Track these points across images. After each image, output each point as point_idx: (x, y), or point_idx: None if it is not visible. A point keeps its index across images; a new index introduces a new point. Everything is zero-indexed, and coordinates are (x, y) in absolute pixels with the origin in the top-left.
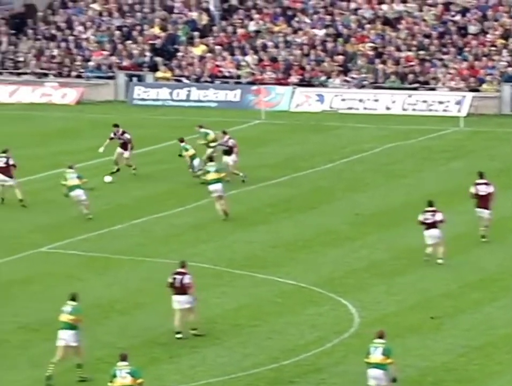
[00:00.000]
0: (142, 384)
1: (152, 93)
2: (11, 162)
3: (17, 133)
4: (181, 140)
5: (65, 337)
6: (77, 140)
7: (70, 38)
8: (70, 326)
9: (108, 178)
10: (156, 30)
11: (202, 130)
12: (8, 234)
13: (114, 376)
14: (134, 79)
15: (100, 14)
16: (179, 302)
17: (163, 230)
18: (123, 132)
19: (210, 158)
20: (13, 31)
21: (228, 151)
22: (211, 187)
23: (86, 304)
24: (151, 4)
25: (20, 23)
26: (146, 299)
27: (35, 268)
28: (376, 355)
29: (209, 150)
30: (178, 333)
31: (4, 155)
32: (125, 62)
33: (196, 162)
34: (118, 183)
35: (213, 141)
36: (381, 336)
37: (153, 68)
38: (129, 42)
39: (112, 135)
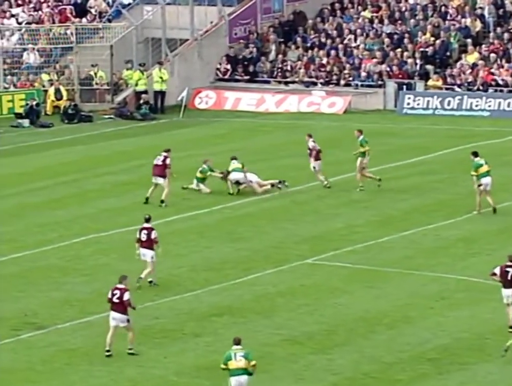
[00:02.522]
0: (255, 366)
1: (422, 101)
2: (168, 161)
3: (284, 143)
4: (233, 158)
5: None
6: (344, 150)
7: (340, 46)
8: None
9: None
10: (428, 37)
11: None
12: (275, 245)
13: (229, 359)
14: (404, 87)
15: (370, 21)
16: (509, 297)
17: (431, 242)
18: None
19: (475, 154)
20: (282, 40)
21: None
22: (483, 180)
23: (352, 317)
24: (423, 10)
25: (289, 32)
26: (414, 313)
27: (300, 280)
28: None
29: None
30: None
31: (163, 153)
32: (395, 70)
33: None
34: (386, 194)
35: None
36: None
37: (424, 76)
38: (400, 49)
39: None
